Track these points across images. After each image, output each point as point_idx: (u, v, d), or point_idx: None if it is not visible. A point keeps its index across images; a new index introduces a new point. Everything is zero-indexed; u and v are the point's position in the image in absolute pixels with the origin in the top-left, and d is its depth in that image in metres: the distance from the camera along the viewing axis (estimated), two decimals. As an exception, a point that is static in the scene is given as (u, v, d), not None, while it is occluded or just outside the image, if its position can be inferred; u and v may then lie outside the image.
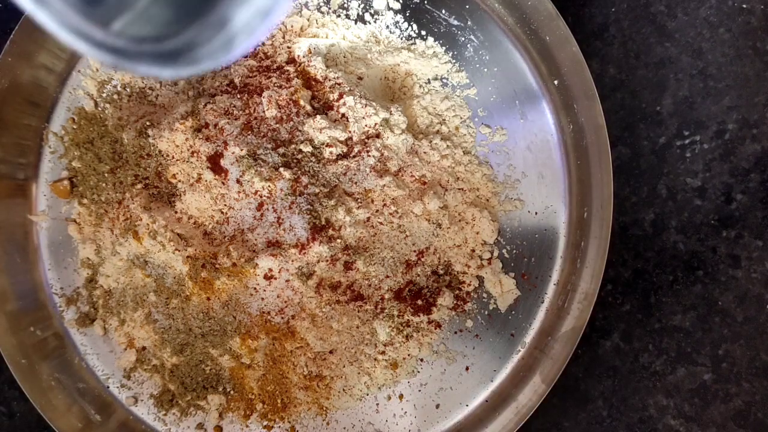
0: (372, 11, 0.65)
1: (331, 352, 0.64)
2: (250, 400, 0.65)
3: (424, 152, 0.63)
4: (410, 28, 0.65)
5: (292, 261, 0.61)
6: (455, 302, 0.64)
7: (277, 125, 0.61)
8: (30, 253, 0.66)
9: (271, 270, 0.61)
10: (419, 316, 0.64)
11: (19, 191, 0.65)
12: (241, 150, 0.59)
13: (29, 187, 0.66)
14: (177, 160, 0.62)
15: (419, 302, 0.64)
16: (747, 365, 0.67)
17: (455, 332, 0.65)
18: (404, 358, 0.64)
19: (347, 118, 0.61)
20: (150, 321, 0.64)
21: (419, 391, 0.65)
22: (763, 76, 0.66)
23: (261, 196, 0.60)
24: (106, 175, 0.64)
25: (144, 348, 0.65)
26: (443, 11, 0.64)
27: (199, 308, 0.63)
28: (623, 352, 0.68)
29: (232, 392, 0.65)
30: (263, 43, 0.63)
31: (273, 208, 0.61)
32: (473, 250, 0.65)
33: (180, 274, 0.62)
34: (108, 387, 0.66)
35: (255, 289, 0.62)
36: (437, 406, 0.65)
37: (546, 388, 0.61)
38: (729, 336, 0.67)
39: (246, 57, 0.63)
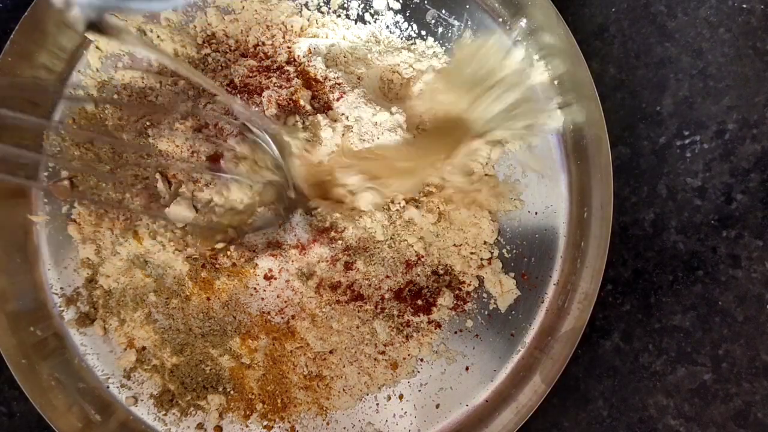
0: (372, 11, 0.65)
1: (331, 352, 0.64)
2: (250, 400, 0.65)
3: (424, 152, 0.63)
4: (410, 28, 0.65)
5: (292, 261, 0.61)
6: (455, 302, 0.64)
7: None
8: (30, 253, 0.66)
9: (271, 270, 0.61)
10: (419, 316, 0.64)
11: (19, 191, 0.65)
12: (241, 150, 0.59)
13: (29, 187, 0.66)
14: (177, 160, 0.62)
15: (419, 302, 0.64)
16: (747, 365, 0.67)
17: (455, 332, 0.65)
18: (404, 358, 0.64)
19: (347, 118, 0.61)
20: (150, 321, 0.64)
21: (419, 391, 0.65)
22: (763, 76, 0.66)
23: (261, 196, 0.61)
24: (106, 175, 0.64)
25: (144, 348, 0.65)
26: (443, 11, 0.64)
27: (199, 308, 0.63)
28: (623, 352, 0.68)
29: (232, 392, 0.65)
30: (263, 43, 0.63)
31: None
32: (473, 250, 0.64)
33: (180, 274, 0.62)
34: (108, 387, 0.66)
35: (255, 289, 0.62)
36: (437, 406, 0.65)
37: (546, 388, 0.61)
38: (729, 336, 0.67)
39: (246, 57, 0.63)
